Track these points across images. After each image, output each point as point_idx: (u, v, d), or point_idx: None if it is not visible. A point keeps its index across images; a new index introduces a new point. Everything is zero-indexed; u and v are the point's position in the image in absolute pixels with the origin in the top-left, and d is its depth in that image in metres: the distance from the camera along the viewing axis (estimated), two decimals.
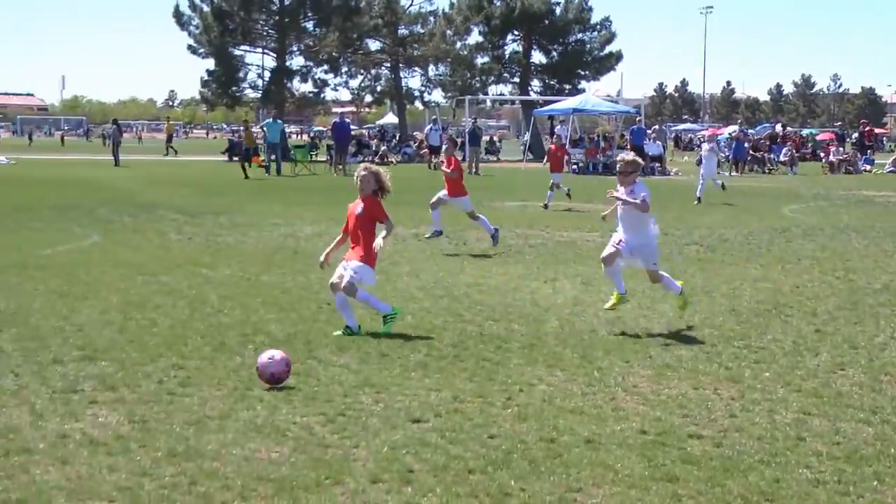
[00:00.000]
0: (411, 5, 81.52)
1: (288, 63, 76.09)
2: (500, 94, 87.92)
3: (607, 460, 6.96)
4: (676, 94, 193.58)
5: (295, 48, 76.93)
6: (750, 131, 74.91)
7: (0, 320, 11.39)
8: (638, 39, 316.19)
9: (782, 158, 55.14)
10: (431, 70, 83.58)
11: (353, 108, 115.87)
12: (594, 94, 68.27)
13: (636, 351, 10.41)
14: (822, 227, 23.10)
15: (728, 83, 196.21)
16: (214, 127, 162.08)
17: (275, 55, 75.47)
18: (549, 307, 12.80)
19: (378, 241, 11.12)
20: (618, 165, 12.19)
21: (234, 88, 76.39)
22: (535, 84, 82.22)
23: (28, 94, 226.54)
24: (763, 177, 49.51)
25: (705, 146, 34.61)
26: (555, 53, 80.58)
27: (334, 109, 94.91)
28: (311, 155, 55.18)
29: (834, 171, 53.52)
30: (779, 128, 73.22)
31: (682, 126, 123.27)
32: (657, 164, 50.95)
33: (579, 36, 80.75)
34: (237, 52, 76.19)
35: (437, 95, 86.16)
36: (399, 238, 18.49)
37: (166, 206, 26.44)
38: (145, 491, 6.30)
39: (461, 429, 7.65)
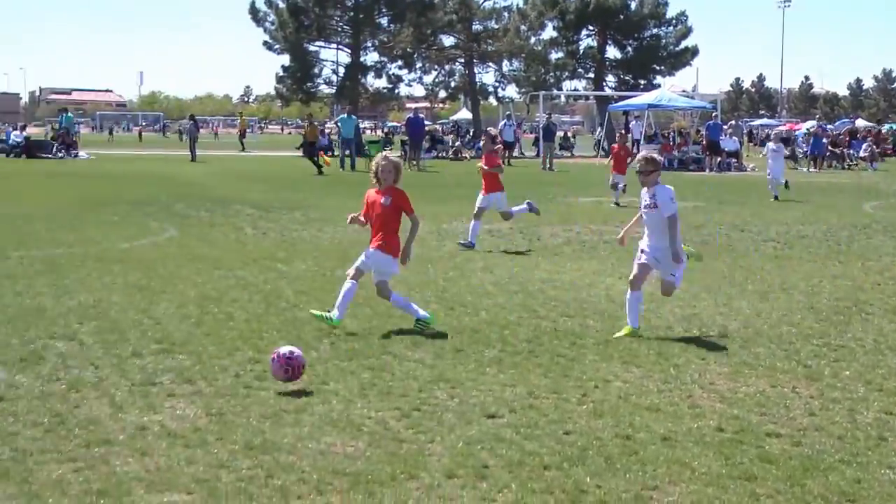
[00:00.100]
0: (485, 1, 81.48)
1: (362, 59, 76.37)
2: (575, 90, 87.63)
3: (684, 458, 6.90)
4: (753, 90, 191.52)
5: (369, 44, 77.19)
6: (829, 127, 73.86)
7: (80, 313, 11.55)
8: (714, 34, 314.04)
9: (862, 154, 54.35)
10: (505, 65, 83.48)
11: (426, 104, 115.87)
12: (669, 90, 67.73)
13: (712, 348, 10.30)
14: None
15: (806, 78, 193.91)
16: (289, 123, 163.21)
17: (349, 51, 75.78)
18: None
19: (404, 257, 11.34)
20: (637, 165, 11.53)
21: (308, 84, 76.84)
22: (610, 79, 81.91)
23: (107, 91, 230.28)
24: (842, 173, 48.78)
25: (770, 145, 33.46)
26: (629, 48, 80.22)
27: (408, 105, 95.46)
28: (385, 150, 55.32)
29: None
30: (861, 123, 72.09)
31: (758, 121, 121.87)
32: (733, 160, 50.42)
33: (654, 31, 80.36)
34: (312, 48, 76.67)
35: (510, 91, 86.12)
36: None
37: (242, 202, 26.66)
38: (222, 483, 6.35)
39: (536, 425, 7.62)
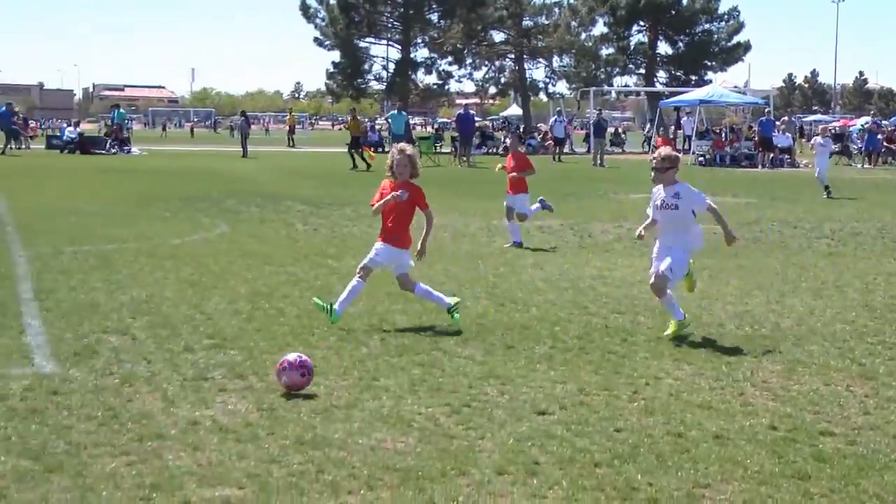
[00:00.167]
0: None
1: (412, 55, 76.62)
2: (625, 86, 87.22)
3: (736, 456, 6.84)
4: (806, 85, 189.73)
5: (419, 40, 77.42)
6: (884, 122, 73.03)
7: (133, 308, 11.64)
8: (767, 29, 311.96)
9: None
10: (556, 61, 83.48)
11: (477, 100, 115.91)
12: (721, 85, 67.28)
13: (765, 346, 10.21)
14: None
15: (861, 73, 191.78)
16: (339, 119, 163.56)
17: (399, 47, 76.03)
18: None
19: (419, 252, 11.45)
20: (653, 162, 10.85)
21: (359, 80, 77.20)
22: (661, 75, 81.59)
23: (159, 87, 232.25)
24: None
25: (817, 139, 31.73)
26: (681, 44, 79.87)
27: (458, 101, 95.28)
28: (436, 146, 55.43)
29: None
30: None
31: (811, 117, 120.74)
32: (786, 156, 50.03)
33: (706, 26, 79.95)
34: (362, 45, 77.03)
35: (561, 87, 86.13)
36: (523, 230, 18.37)
37: (292, 197, 26.75)
38: (274, 478, 6.37)
39: (587, 421, 7.59)
